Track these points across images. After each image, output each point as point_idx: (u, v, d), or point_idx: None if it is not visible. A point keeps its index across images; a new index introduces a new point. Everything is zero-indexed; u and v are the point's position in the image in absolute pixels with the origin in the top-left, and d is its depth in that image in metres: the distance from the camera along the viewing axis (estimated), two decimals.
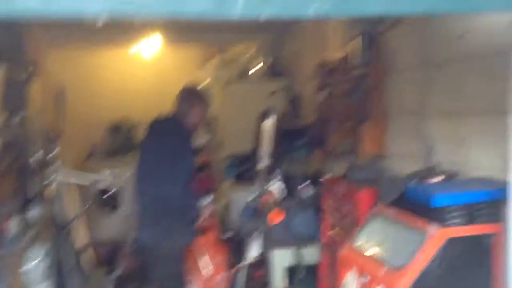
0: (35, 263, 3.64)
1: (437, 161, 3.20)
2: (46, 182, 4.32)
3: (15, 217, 3.74)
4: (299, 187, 4.11)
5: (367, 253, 2.86)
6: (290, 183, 4.29)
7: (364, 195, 3.35)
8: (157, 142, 4.01)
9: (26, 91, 4.97)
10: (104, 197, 5.41)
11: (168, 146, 3.93)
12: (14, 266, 3.20)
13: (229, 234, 4.56)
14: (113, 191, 5.72)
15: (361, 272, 2.82)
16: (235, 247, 4.48)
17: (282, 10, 1.66)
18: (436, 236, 2.50)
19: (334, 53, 4.90)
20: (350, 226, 3.51)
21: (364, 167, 3.81)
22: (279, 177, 4.04)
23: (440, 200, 2.52)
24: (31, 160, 4.32)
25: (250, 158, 5.52)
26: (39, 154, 4.37)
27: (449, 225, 2.50)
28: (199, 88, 4.40)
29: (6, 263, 3.02)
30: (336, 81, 4.67)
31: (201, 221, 4.35)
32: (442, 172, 2.98)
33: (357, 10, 1.77)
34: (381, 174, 3.56)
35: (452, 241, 2.49)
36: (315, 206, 4.12)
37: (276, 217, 3.57)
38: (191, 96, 4.15)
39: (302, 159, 5.08)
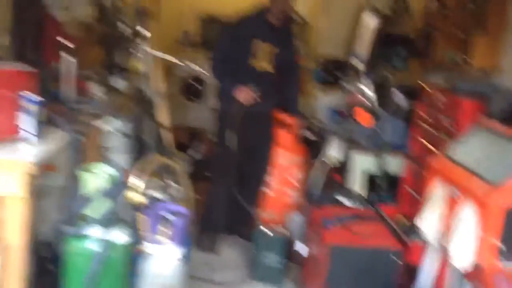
0: (117, 134, 3.63)
1: None
2: (133, 54, 4.25)
3: (98, 82, 3.72)
4: (393, 95, 3.85)
5: (462, 165, 2.61)
6: (384, 90, 4.04)
7: (467, 106, 3.06)
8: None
9: None
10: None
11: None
12: (95, 134, 3.19)
13: (309, 134, 4.39)
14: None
15: (451, 184, 2.59)
16: (316, 148, 4.35)
17: None
18: None
19: None
20: (445, 139, 3.25)
21: (473, 80, 3.48)
22: (371, 81, 3.81)
23: None
24: (121, 31, 4.25)
25: (342, 63, 5.26)
26: (129, 26, 4.28)
27: None
28: None
29: (88, 127, 2.99)
30: None
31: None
32: None
33: None
34: (493, 88, 3.22)
35: None
36: (408, 116, 3.87)
37: (366, 120, 3.36)
38: None
39: (401, 68, 4.74)
